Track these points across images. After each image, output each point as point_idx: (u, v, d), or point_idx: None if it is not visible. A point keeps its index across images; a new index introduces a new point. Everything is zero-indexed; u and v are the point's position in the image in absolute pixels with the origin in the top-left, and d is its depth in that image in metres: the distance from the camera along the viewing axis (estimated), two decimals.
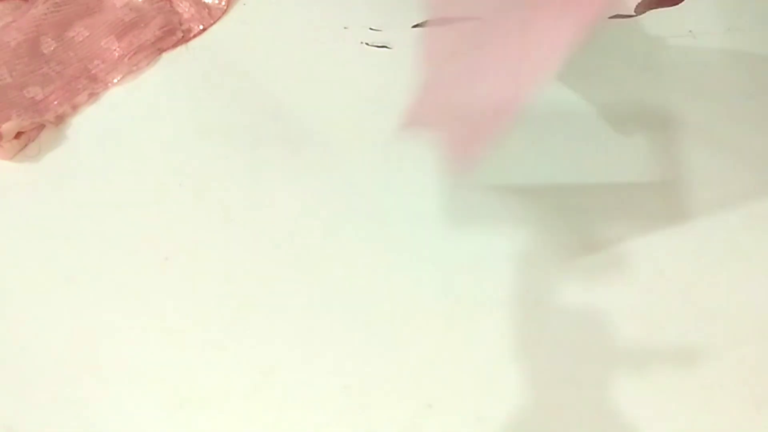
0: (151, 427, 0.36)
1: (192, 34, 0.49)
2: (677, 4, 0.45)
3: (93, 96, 0.47)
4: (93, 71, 0.47)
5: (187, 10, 0.50)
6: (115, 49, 0.48)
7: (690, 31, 0.49)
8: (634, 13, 0.45)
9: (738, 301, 0.40)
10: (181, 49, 0.49)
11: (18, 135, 0.44)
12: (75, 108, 0.46)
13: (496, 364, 0.38)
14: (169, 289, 0.40)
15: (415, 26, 0.49)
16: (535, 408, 0.36)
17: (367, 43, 0.48)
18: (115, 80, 0.47)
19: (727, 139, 0.45)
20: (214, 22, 0.50)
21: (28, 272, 0.40)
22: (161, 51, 0.48)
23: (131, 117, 0.46)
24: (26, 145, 0.44)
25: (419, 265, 0.40)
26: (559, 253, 0.41)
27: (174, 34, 0.49)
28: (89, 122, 0.46)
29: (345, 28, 0.50)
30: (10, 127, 0.43)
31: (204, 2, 0.50)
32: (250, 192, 0.43)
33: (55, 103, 0.46)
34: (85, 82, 0.47)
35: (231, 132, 0.45)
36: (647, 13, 0.46)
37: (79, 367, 0.37)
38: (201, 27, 0.50)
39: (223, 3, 0.50)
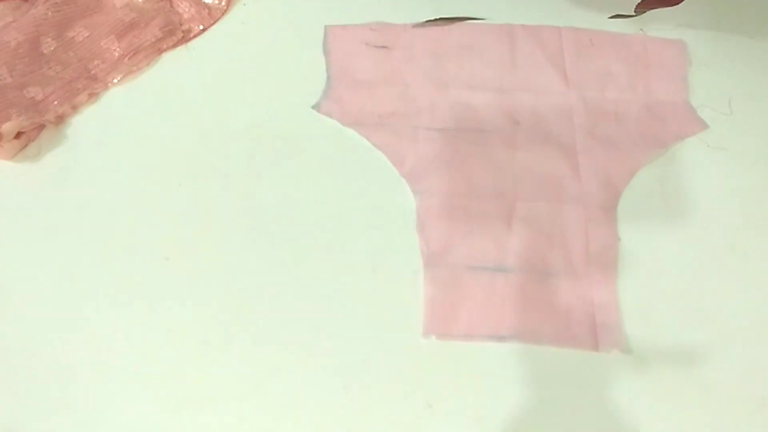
0: (151, 427, 0.36)
1: (192, 34, 0.49)
2: (677, 4, 0.45)
3: (93, 96, 0.47)
4: (93, 71, 0.47)
5: (187, 10, 0.50)
6: (115, 49, 0.48)
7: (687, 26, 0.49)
8: (634, 13, 0.46)
9: (738, 301, 0.40)
10: (181, 49, 0.49)
11: (18, 135, 0.44)
12: (75, 108, 0.46)
13: (496, 364, 0.38)
14: (169, 289, 0.40)
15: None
16: (535, 408, 0.36)
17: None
18: (115, 80, 0.47)
19: (727, 139, 0.45)
20: (214, 22, 0.50)
21: (28, 272, 0.40)
22: (161, 51, 0.48)
23: (131, 117, 0.46)
24: (26, 145, 0.44)
25: (420, 265, 0.40)
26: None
27: (174, 34, 0.49)
28: (89, 122, 0.46)
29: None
30: (10, 127, 0.43)
31: (204, 2, 0.50)
32: (250, 192, 0.43)
33: (55, 103, 0.46)
34: (85, 82, 0.47)
35: (231, 132, 0.45)
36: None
37: (79, 367, 0.37)
38: (201, 27, 0.50)
39: (223, 3, 0.50)
